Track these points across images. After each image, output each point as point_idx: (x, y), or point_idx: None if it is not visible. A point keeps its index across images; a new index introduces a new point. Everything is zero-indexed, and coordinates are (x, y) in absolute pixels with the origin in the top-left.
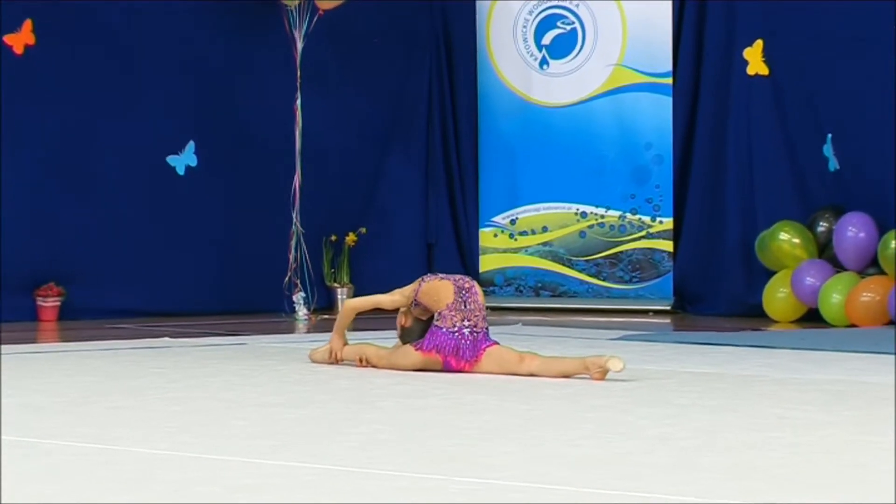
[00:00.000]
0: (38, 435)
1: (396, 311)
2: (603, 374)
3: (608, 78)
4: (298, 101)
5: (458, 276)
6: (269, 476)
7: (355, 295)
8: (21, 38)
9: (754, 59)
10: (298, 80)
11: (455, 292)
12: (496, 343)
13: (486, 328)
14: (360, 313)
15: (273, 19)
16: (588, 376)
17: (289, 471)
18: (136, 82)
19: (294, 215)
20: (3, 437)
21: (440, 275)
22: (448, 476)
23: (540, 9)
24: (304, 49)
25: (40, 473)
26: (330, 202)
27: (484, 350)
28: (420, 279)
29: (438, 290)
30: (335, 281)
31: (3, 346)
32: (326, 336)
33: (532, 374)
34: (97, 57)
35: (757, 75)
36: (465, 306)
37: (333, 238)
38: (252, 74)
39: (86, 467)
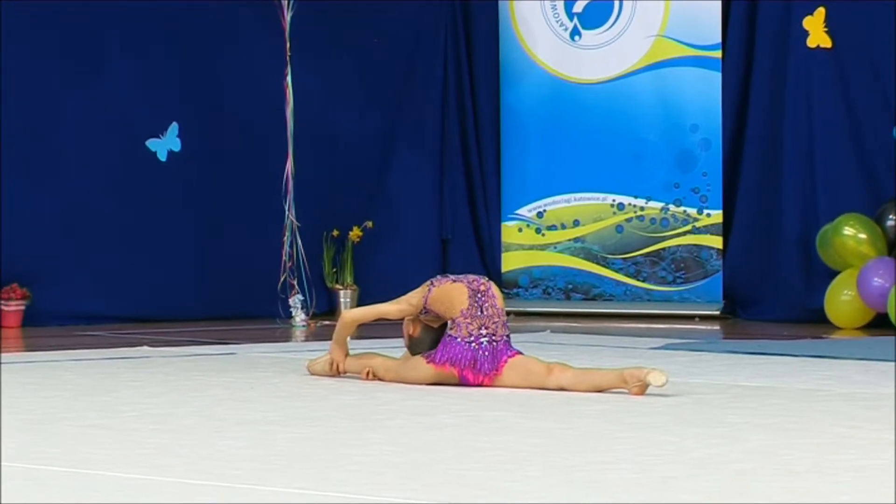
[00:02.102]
0: None
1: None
2: (642, 388)
3: (648, 51)
4: (289, 77)
5: (472, 277)
6: (262, 502)
7: (360, 298)
8: None
9: (815, 30)
10: (288, 53)
11: (470, 296)
12: (519, 353)
13: (508, 336)
14: (361, 325)
15: None
16: (626, 391)
17: (283, 498)
18: (109, 55)
19: (286, 207)
20: None
21: (451, 276)
22: (465, 502)
23: None
24: (293, 16)
25: (2, 500)
26: (330, 192)
27: (505, 361)
28: (429, 283)
29: (451, 294)
30: (337, 282)
31: None
32: (327, 345)
33: (562, 388)
34: (65, 27)
35: (818, 48)
36: (482, 312)
37: (335, 233)
38: (237, 46)
39: (53, 493)
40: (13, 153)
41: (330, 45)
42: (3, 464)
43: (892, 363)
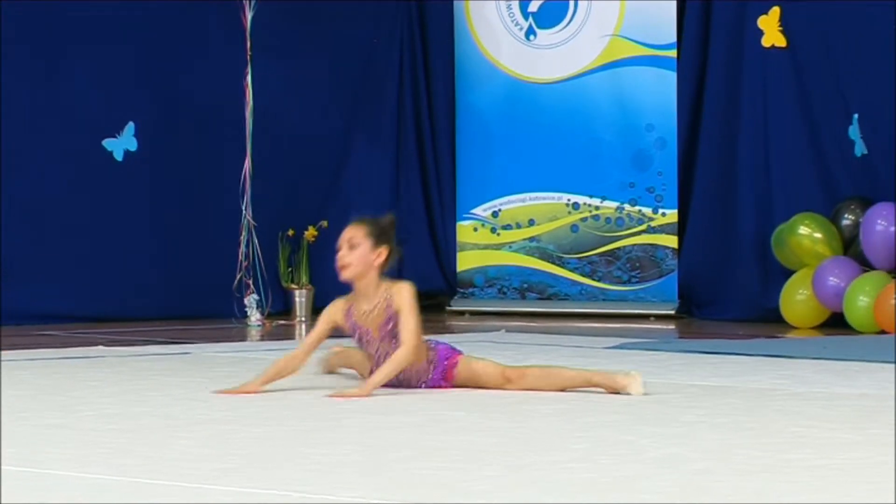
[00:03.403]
0: None
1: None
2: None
3: (604, 50)
4: (249, 77)
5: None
6: (219, 502)
7: (315, 297)
8: None
9: (770, 29)
10: (249, 52)
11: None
12: (459, 354)
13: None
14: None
15: None
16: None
17: (241, 497)
18: (66, 54)
19: (243, 206)
20: None
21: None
22: (421, 501)
23: None
24: (254, 15)
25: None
26: (286, 191)
27: (452, 370)
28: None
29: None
30: (293, 281)
31: None
32: (284, 344)
33: (525, 390)
34: (20, 25)
35: (773, 47)
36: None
37: (290, 232)
38: (197, 45)
39: (9, 493)
40: None
41: (289, 44)
42: None
43: (849, 362)
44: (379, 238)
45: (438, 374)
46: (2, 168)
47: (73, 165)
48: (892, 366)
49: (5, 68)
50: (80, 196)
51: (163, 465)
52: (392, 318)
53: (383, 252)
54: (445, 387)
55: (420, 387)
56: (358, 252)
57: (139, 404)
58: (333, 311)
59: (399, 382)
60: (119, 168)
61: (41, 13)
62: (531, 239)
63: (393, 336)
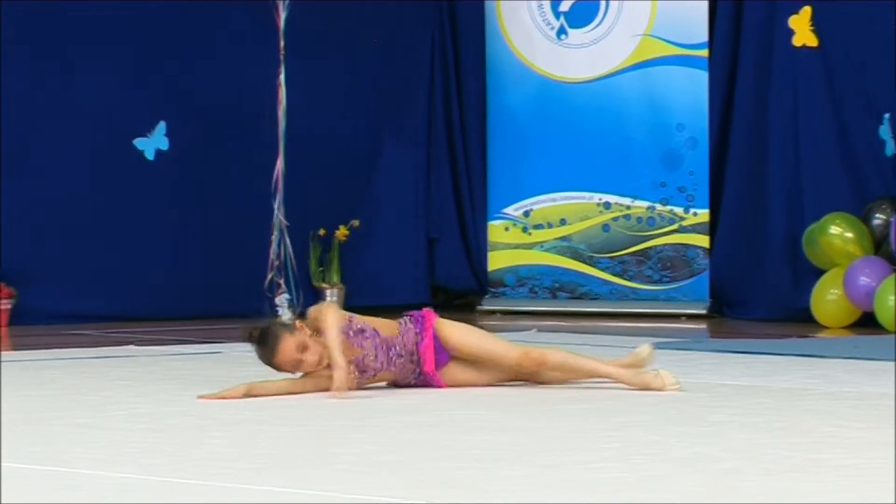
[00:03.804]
0: None
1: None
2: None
3: (635, 50)
4: (282, 76)
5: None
6: (249, 502)
7: (346, 297)
8: None
9: (801, 28)
10: (282, 53)
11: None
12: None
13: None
14: None
15: None
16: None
17: (270, 497)
18: (99, 53)
19: (276, 206)
20: None
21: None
22: (449, 502)
23: None
24: (288, 16)
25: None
26: (318, 191)
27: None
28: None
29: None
30: (324, 281)
31: None
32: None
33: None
34: (53, 24)
35: (804, 47)
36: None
37: (322, 232)
38: (230, 44)
39: (40, 493)
40: (2, 153)
41: (322, 44)
42: None
43: (880, 362)
44: (292, 329)
45: (420, 328)
46: (34, 167)
47: (104, 165)
48: None
49: (41, 69)
50: (111, 195)
51: (193, 465)
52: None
53: (302, 328)
54: (429, 343)
55: (415, 349)
56: (312, 349)
57: (170, 404)
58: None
59: (396, 355)
60: (150, 167)
61: (73, 10)
62: (562, 238)
63: (393, 355)
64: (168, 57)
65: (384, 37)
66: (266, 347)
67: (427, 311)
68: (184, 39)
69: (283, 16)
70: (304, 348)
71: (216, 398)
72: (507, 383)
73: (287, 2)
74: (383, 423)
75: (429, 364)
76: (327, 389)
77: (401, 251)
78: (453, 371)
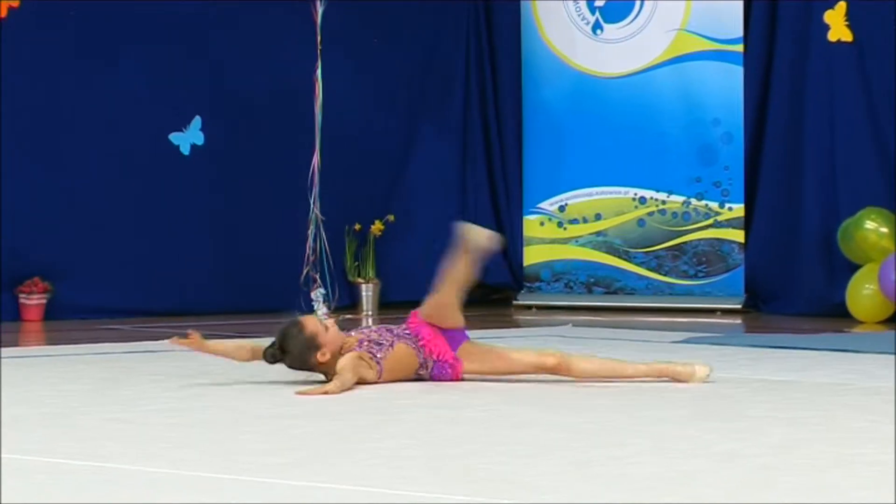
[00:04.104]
0: (18, 451)
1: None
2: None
3: (670, 45)
4: (319, 71)
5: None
6: (280, 497)
7: (382, 291)
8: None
9: (836, 24)
10: (319, 48)
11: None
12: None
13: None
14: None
15: None
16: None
17: (303, 492)
18: (132, 48)
19: (312, 201)
20: None
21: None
22: (484, 498)
23: None
24: (325, 10)
25: (21, 495)
26: (352, 186)
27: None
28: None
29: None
30: (359, 275)
31: None
32: None
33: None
34: (87, 20)
35: (839, 42)
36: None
37: (357, 227)
38: (267, 39)
39: (73, 488)
40: (35, 147)
41: (359, 40)
42: (23, 458)
43: None
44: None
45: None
46: (70, 162)
47: (139, 160)
48: None
49: (77, 64)
50: (146, 190)
51: (224, 460)
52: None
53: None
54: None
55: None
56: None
57: (202, 399)
58: None
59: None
60: (186, 162)
61: (108, 10)
62: (598, 233)
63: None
64: (204, 51)
65: (419, 31)
66: (291, 335)
67: (411, 318)
68: (220, 34)
69: (319, 11)
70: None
71: (318, 393)
72: (539, 377)
73: None
74: (416, 418)
75: (446, 354)
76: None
77: (436, 246)
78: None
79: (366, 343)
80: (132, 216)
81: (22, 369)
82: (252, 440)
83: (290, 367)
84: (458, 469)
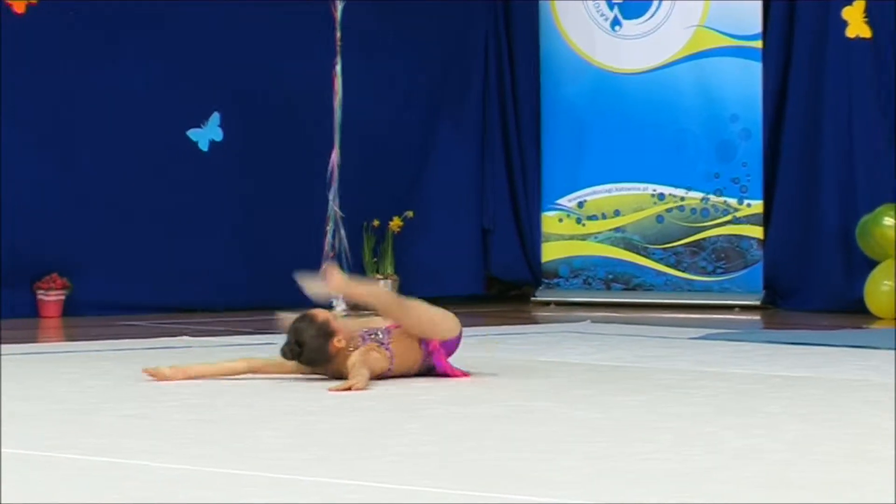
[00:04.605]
0: (38, 446)
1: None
2: None
3: (689, 41)
4: (338, 68)
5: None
6: (300, 495)
7: (400, 288)
8: None
9: (855, 20)
10: (338, 44)
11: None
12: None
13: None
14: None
15: None
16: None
17: (323, 488)
18: (149, 45)
19: (331, 197)
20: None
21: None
22: (503, 494)
23: None
24: (345, 7)
25: (41, 489)
26: (371, 183)
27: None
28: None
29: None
30: (377, 272)
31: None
32: None
33: None
34: (105, 16)
35: (857, 38)
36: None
37: (375, 223)
38: (286, 36)
39: (92, 483)
40: (54, 143)
41: (378, 36)
42: (44, 454)
43: None
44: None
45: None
46: (88, 158)
47: (158, 156)
48: None
49: (96, 60)
50: (164, 186)
51: (245, 456)
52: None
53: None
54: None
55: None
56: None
57: (223, 395)
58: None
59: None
60: (204, 158)
61: (127, 3)
62: (616, 229)
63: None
64: (223, 48)
65: (438, 28)
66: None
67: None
68: (239, 30)
69: (339, 7)
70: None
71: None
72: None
73: None
74: (434, 414)
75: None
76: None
77: (455, 242)
78: None
79: (369, 335)
80: (151, 212)
81: (41, 365)
82: (272, 436)
83: (310, 361)
84: (478, 465)
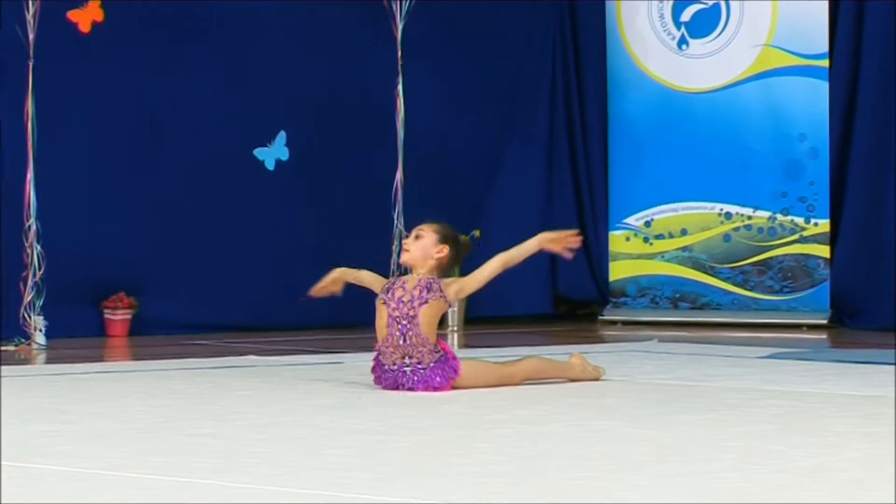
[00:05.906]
0: (106, 466)
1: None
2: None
3: (756, 60)
4: (400, 87)
5: (396, 303)
6: None
7: (468, 307)
8: (88, 14)
9: None
10: (399, 62)
11: (390, 324)
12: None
13: (438, 359)
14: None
15: None
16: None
17: None
18: (214, 63)
19: (395, 216)
20: (65, 468)
21: (384, 289)
22: None
23: None
24: (405, 24)
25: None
26: (437, 201)
27: (456, 370)
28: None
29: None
30: None
31: (66, 364)
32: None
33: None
34: (169, 35)
35: None
36: (405, 341)
37: None
38: (348, 54)
39: (159, 502)
40: (120, 163)
41: (440, 53)
42: (108, 473)
43: None
44: (445, 238)
45: (439, 369)
46: (155, 178)
47: (224, 175)
48: None
49: (162, 80)
50: (231, 205)
51: (312, 475)
52: (417, 301)
53: (444, 250)
54: (441, 387)
55: (413, 371)
56: (421, 243)
57: (290, 414)
58: (378, 280)
59: (409, 345)
60: (270, 177)
61: (189, 22)
62: (683, 248)
63: (409, 322)
64: (288, 66)
65: (505, 45)
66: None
67: (457, 364)
68: (304, 49)
69: (399, 26)
70: (417, 237)
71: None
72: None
73: (404, 10)
74: (502, 433)
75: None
76: None
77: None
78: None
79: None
80: (217, 232)
81: (109, 384)
82: (340, 455)
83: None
84: (548, 485)
